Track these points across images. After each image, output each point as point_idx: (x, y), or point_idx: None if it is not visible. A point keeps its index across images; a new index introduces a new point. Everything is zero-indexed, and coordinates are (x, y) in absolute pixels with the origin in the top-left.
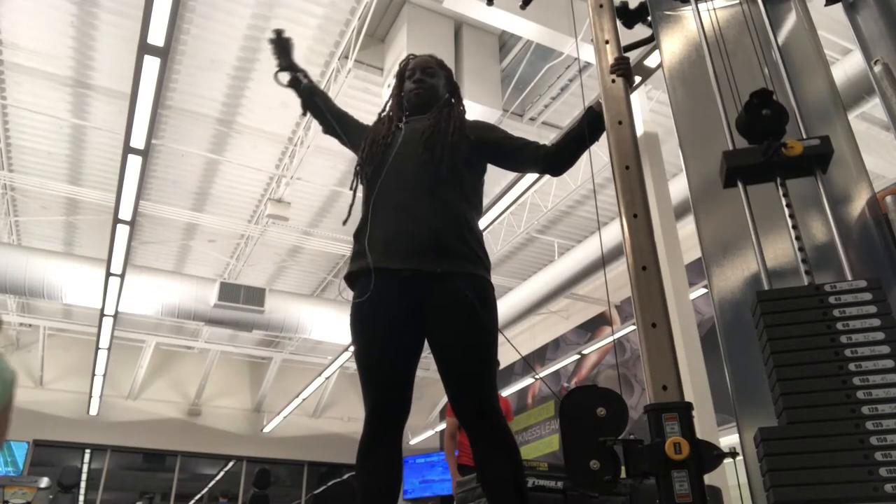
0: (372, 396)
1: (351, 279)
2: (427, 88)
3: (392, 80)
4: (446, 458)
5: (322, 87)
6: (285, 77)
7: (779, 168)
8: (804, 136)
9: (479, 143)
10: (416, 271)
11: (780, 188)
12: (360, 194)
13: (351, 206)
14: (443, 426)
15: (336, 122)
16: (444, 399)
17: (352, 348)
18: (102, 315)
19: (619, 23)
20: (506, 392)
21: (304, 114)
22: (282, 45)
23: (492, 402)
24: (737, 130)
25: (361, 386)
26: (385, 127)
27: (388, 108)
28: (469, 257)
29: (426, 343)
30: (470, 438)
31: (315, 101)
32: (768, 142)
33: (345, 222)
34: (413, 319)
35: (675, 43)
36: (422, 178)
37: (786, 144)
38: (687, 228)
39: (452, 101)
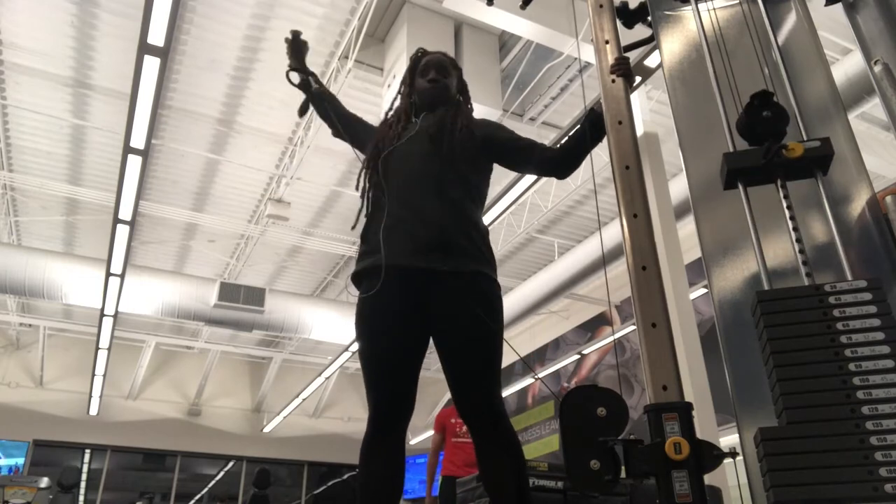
0: (376, 394)
1: (358, 278)
2: (441, 88)
3: (392, 80)
4: (427, 471)
5: None
6: (296, 77)
7: (779, 170)
8: (805, 137)
9: (486, 141)
10: (423, 269)
11: (780, 190)
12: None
13: (360, 210)
14: None
15: (345, 126)
16: (444, 399)
17: (353, 348)
18: (102, 315)
19: (619, 23)
20: (506, 392)
21: (302, 115)
22: (297, 46)
23: (496, 402)
24: (737, 132)
25: (365, 384)
26: (392, 129)
27: (394, 108)
28: (475, 256)
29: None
30: (473, 438)
31: (325, 106)
32: (769, 143)
33: (353, 227)
34: (418, 317)
35: (675, 43)
36: (428, 175)
37: (786, 146)
38: (687, 228)
39: (461, 100)
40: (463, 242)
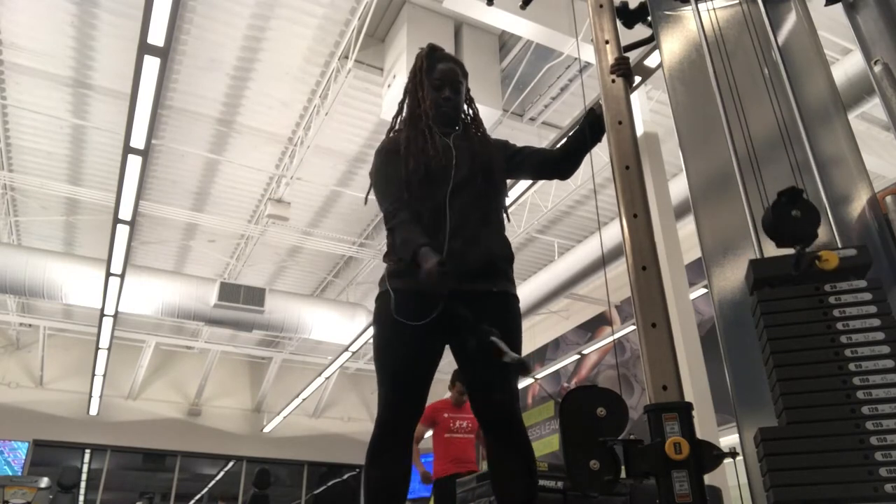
0: (390, 397)
1: (401, 294)
2: (454, 107)
3: (392, 80)
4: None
5: (322, 87)
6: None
7: (811, 279)
8: (834, 233)
9: (508, 164)
10: (471, 291)
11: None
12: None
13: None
14: None
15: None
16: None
17: (353, 348)
18: (102, 315)
19: (619, 23)
20: None
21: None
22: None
23: (516, 410)
24: (763, 231)
25: (380, 384)
26: (429, 144)
27: (411, 116)
28: (511, 278)
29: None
30: (487, 438)
31: None
32: (800, 251)
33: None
34: (443, 329)
35: (675, 43)
36: (479, 204)
37: (819, 257)
38: (687, 228)
39: (473, 113)
40: (505, 266)
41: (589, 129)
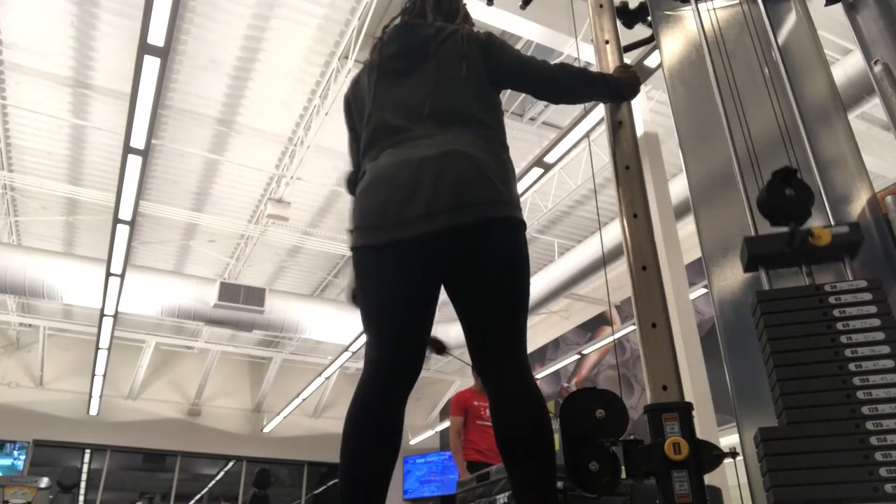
0: (378, 348)
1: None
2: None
3: None
4: (453, 456)
5: (322, 87)
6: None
7: (804, 256)
8: (826, 214)
9: (488, 44)
10: (431, 233)
11: (806, 278)
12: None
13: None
14: (443, 426)
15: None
16: (445, 399)
17: (353, 348)
18: (102, 315)
19: (619, 23)
20: None
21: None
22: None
23: (520, 349)
24: (757, 210)
25: (367, 342)
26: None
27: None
28: (490, 199)
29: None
30: (490, 393)
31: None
32: (793, 228)
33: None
34: (427, 265)
35: (675, 43)
36: (418, 99)
37: (812, 233)
38: (687, 228)
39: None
40: (476, 187)
41: (604, 84)
